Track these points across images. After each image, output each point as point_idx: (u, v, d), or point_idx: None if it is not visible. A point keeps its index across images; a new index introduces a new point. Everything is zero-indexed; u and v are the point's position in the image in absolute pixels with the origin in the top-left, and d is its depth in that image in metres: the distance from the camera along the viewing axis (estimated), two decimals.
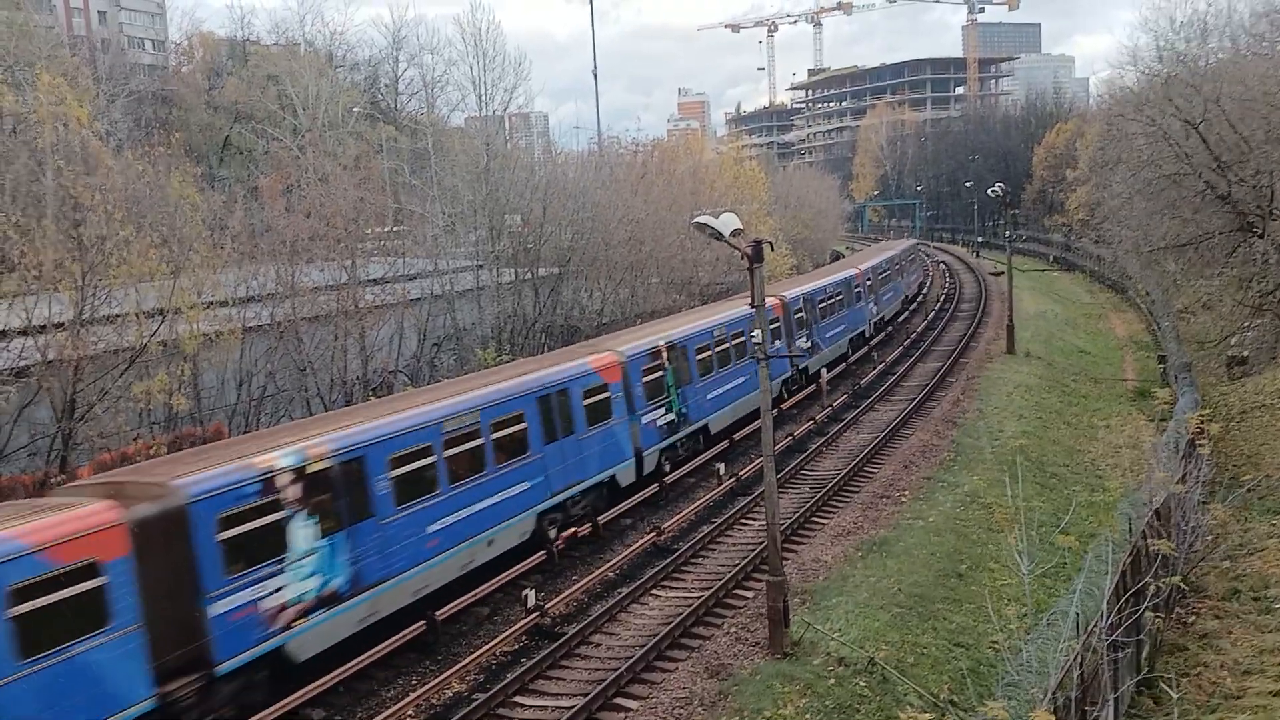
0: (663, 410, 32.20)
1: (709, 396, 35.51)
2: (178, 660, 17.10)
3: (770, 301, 38.03)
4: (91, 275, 29.98)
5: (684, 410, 33.59)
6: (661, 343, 32.83)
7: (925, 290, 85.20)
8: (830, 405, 42.50)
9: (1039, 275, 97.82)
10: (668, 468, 32.80)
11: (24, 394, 29.33)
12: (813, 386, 45.03)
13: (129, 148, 46.44)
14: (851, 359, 52.85)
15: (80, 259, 29.77)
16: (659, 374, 32.13)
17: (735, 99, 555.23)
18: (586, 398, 28.23)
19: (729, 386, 37.14)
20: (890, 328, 64.69)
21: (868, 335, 57.45)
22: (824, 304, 48.98)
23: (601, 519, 28.40)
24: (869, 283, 57.86)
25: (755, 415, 36.98)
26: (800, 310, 45.35)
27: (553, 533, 26.75)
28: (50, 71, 45.40)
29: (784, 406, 42.20)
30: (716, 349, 36.53)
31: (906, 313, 72.35)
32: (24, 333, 29.31)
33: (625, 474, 30.10)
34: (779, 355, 39.38)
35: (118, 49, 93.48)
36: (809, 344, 45.79)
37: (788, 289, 46.51)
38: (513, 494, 25.12)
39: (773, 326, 39.75)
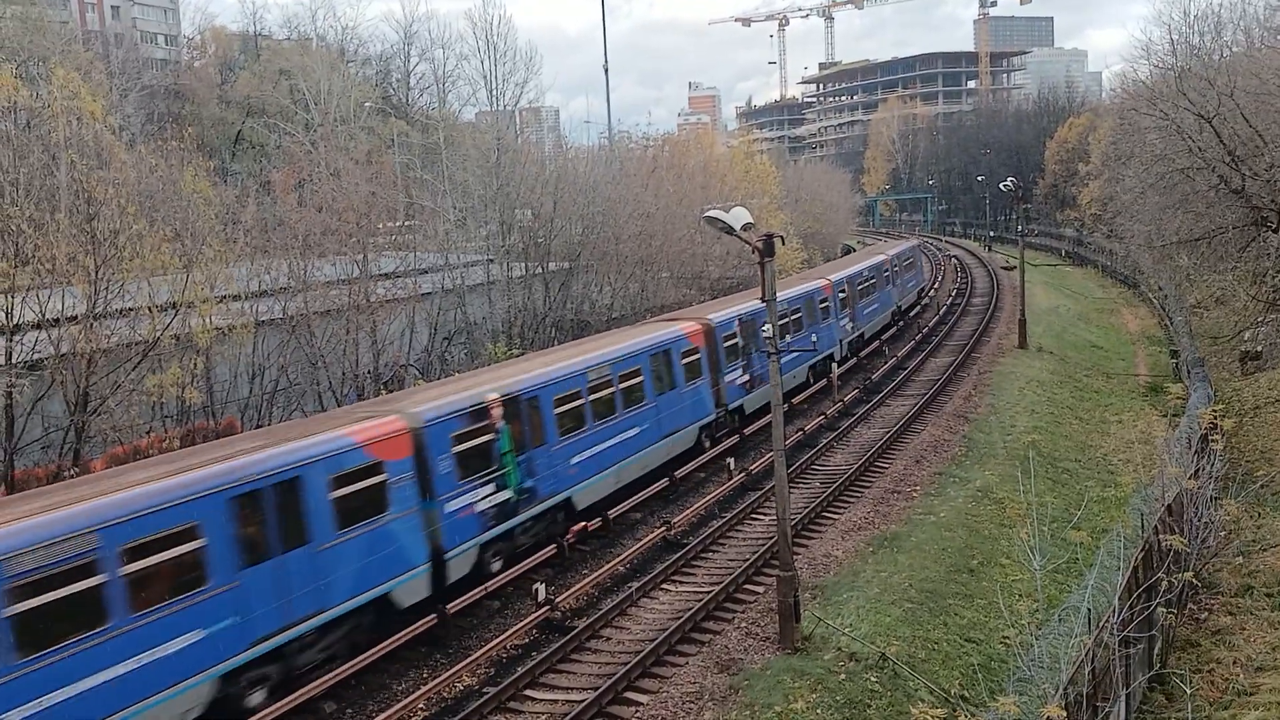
0: (489, 488, 24.01)
1: (575, 460, 27.28)
2: None
3: (685, 328, 34.25)
4: (105, 269, 30.10)
5: (529, 484, 25.47)
6: (493, 395, 24.56)
7: (926, 297, 76.24)
8: (841, 400, 42.42)
9: (1051, 270, 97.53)
10: (497, 565, 24.54)
11: (38, 387, 29.47)
12: (748, 428, 37.44)
13: (142, 142, 46.75)
14: (813, 388, 44.14)
15: (93, 253, 29.89)
16: (486, 438, 24.01)
17: (746, 93, 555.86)
18: (339, 486, 19.90)
19: (611, 443, 28.99)
20: (874, 345, 55.46)
21: (839, 358, 48.31)
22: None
23: (611, 514, 28.41)
24: (843, 296, 49.53)
25: (654, 477, 31.31)
26: (734, 336, 37.09)
27: (258, 695, 18.53)
28: (64, 66, 45.67)
29: (698, 461, 33.51)
30: (593, 395, 28.30)
31: (899, 325, 62.64)
32: (38, 326, 29.46)
33: (411, 589, 21.60)
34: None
35: (130, 44, 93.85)
36: (746, 378, 37.58)
37: (717, 310, 38.47)
38: (168, 653, 16.68)
39: (687, 361, 33.52)
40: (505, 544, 25.02)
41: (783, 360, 38.03)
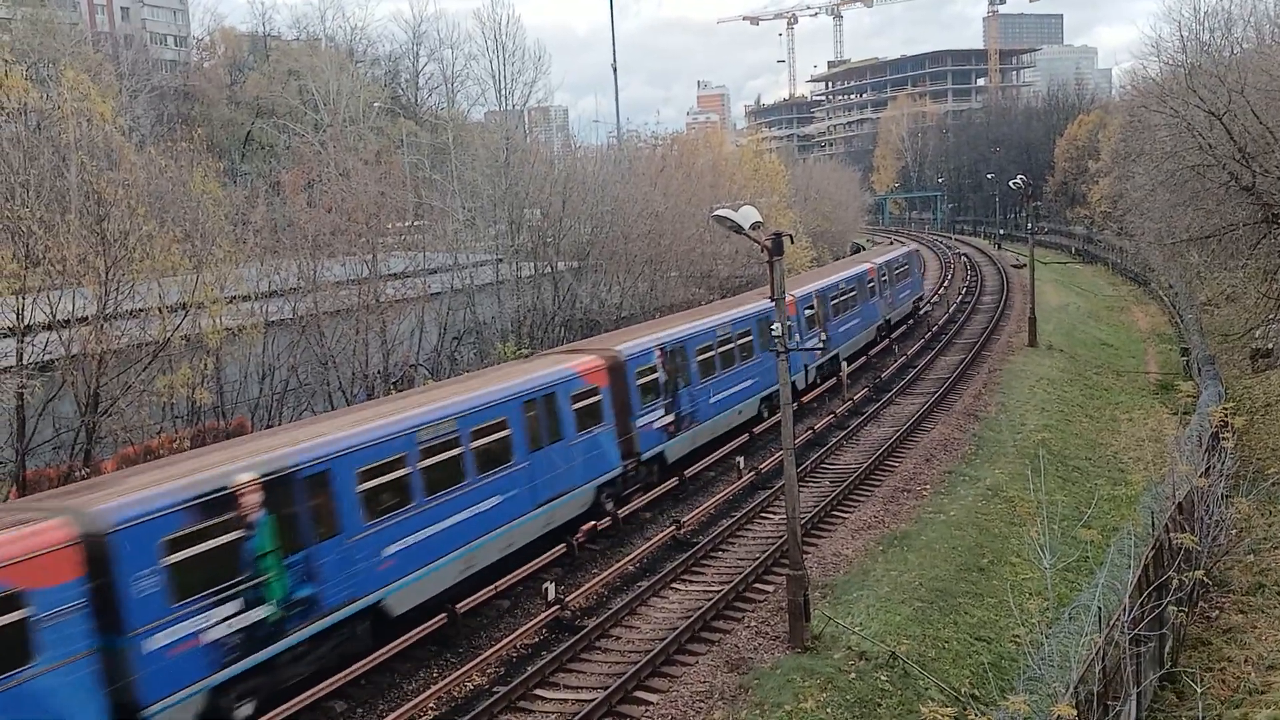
0: (232, 607, 17.44)
1: (391, 551, 20.75)
2: None
3: (580, 364, 27.87)
4: (115, 270, 30.19)
5: (306, 592, 18.84)
6: (246, 476, 18.06)
7: (922, 308, 69.01)
8: (850, 399, 42.38)
9: (1061, 268, 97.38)
10: (246, 710, 17.84)
11: (48, 388, 29.56)
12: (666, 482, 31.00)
13: (152, 143, 46.86)
14: (766, 423, 37.31)
15: (104, 254, 29.98)
16: (228, 538, 17.52)
17: (755, 92, 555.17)
18: None
19: (454, 522, 22.45)
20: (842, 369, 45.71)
21: (803, 385, 41.80)
22: (705, 357, 33.74)
23: (621, 512, 28.37)
24: (809, 313, 43.16)
25: (529, 554, 24.81)
26: (652, 370, 30.72)
27: None
28: (74, 68, 45.79)
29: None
30: (426, 461, 21.79)
31: (884, 342, 54.76)
32: (48, 327, 29.55)
33: None
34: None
35: (140, 45, 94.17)
36: (669, 419, 31.38)
37: (632, 338, 31.93)
38: None
39: (581, 405, 27.21)
40: (263, 679, 18.24)
41: (725, 394, 34.78)
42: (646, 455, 30.25)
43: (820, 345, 43.17)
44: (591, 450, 27.46)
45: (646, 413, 30.13)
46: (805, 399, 41.26)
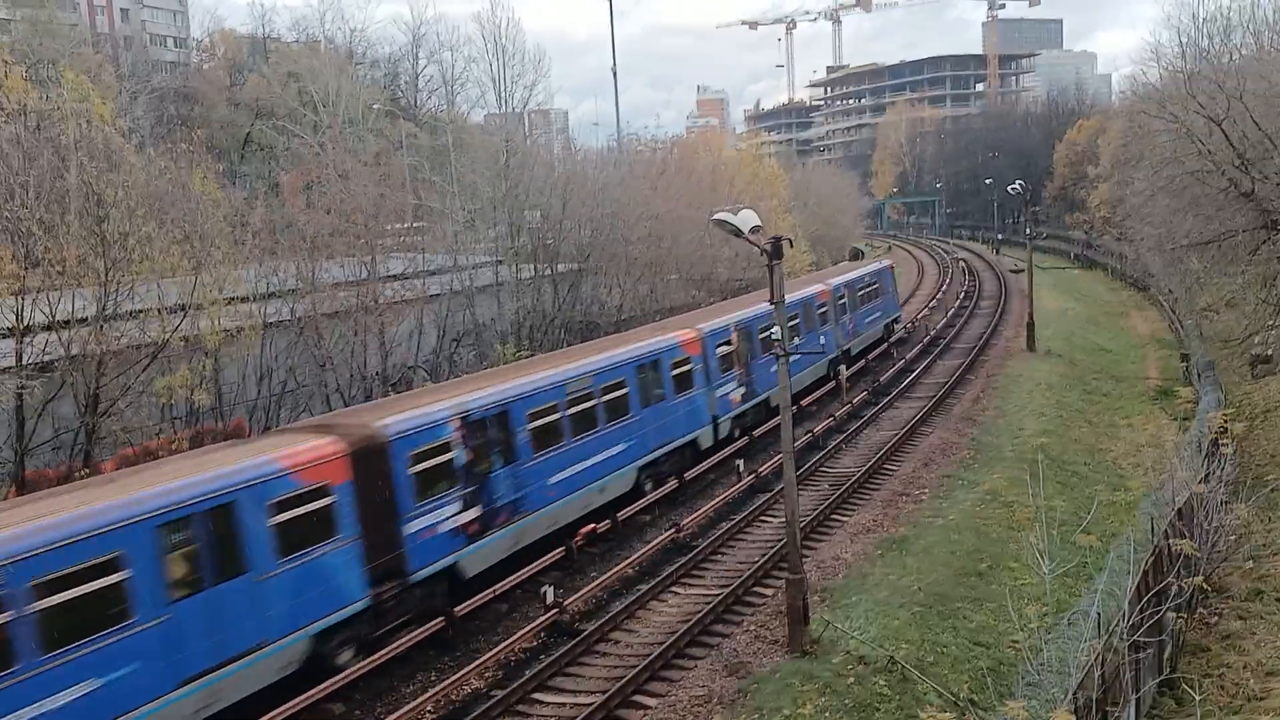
0: None
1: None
2: None
3: (291, 455, 19.33)
4: (114, 271, 30.25)
5: None
6: None
7: (899, 329, 59.48)
8: (849, 402, 42.36)
9: (1060, 273, 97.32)
10: None
11: (48, 388, 29.58)
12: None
13: (151, 145, 46.91)
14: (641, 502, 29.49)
15: (103, 255, 30.04)
16: None
17: (754, 96, 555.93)
18: None
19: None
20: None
21: (708, 445, 33.88)
22: (545, 422, 25.86)
23: (621, 515, 28.32)
24: (724, 351, 34.99)
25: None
26: (442, 451, 22.58)
27: None
28: (74, 69, 45.83)
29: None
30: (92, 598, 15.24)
31: (836, 378, 44.67)
32: (48, 328, 29.56)
33: None
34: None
35: (140, 46, 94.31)
36: (469, 517, 23.21)
37: (405, 408, 23.26)
38: None
39: (291, 516, 18.84)
40: None
41: (577, 469, 26.54)
42: (423, 573, 21.86)
43: (741, 388, 35.72)
44: (309, 583, 19.11)
45: (427, 511, 22.01)
46: (723, 452, 34.46)
